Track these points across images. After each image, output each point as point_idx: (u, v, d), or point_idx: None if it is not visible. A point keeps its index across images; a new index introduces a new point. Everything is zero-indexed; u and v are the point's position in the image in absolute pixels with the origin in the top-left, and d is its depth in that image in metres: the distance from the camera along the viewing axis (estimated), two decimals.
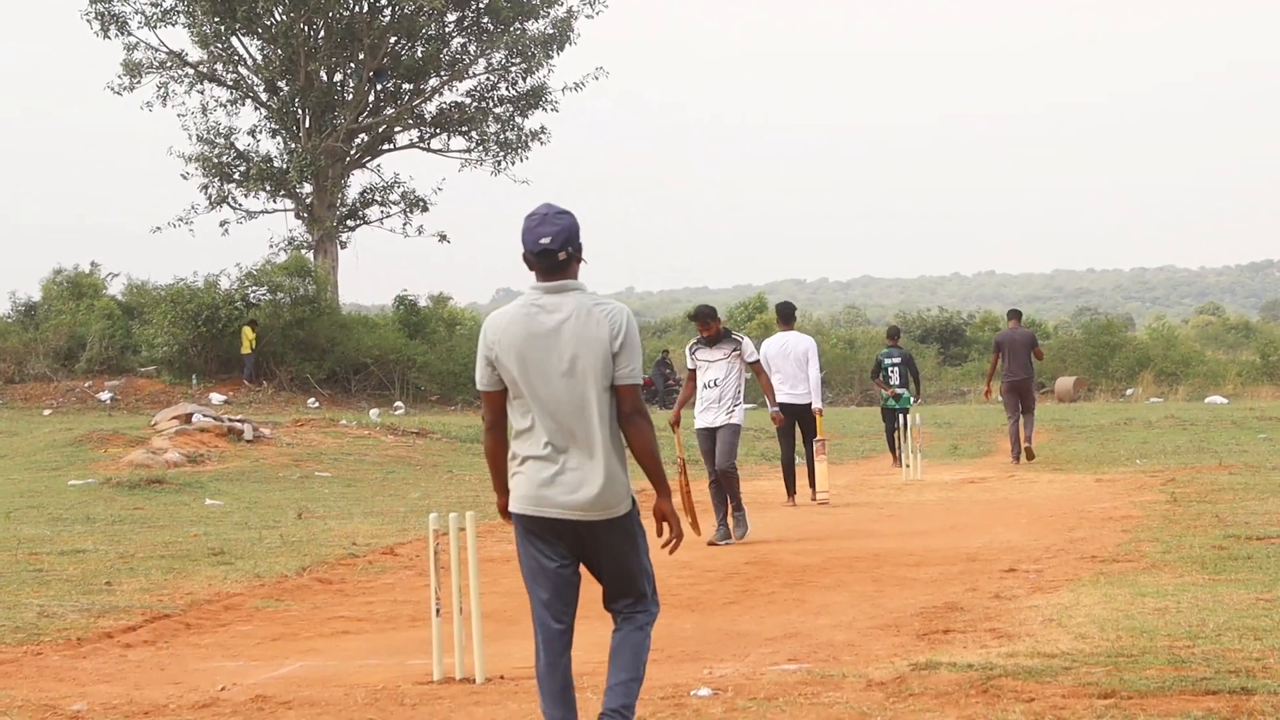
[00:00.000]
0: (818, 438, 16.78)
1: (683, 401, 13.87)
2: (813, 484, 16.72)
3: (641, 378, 5.73)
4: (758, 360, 13.97)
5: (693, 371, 13.73)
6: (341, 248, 46.04)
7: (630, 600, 5.77)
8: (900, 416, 21.31)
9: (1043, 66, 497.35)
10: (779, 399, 16.12)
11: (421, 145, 47.45)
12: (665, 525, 5.80)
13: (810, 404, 16.48)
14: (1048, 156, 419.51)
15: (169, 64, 45.03)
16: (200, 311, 39.13)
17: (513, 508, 5.72)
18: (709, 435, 13.66)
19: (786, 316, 16.95)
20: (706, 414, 13.63)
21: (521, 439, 5.70)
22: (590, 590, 5.86)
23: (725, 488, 13.48)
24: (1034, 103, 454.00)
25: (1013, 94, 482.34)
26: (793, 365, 16.46)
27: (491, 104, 46.48)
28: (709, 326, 13.54)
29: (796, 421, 16.52)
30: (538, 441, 5.64)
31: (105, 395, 37.21)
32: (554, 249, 5.61)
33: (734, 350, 13.56)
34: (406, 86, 46.29)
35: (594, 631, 6.97)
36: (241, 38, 44.67)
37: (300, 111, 44.95)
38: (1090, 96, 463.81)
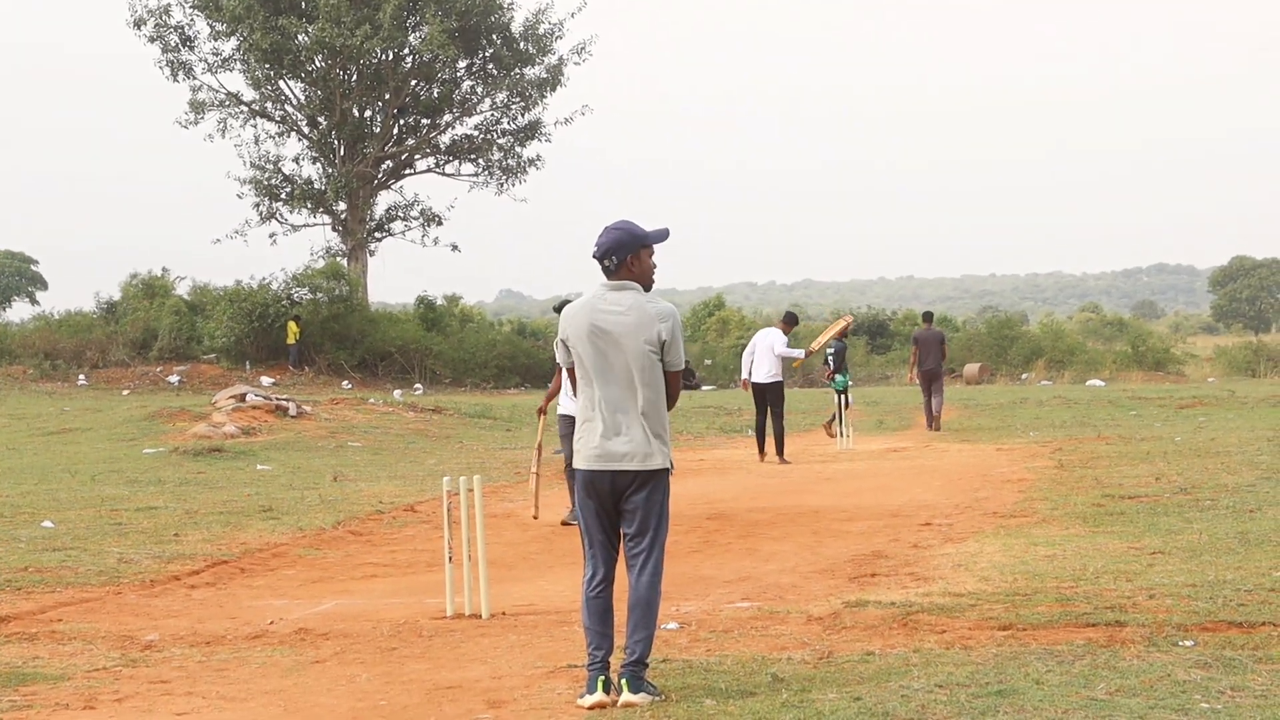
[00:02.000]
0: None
1: (551, 395, 11.82)
2: (780, 450, 17.22)
3: (683, 365, 5.78)
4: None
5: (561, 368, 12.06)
6: (370, 255, 45.86)
7: (643, 544, 5.67)
8: (839, 396, 21.34)
9: (949, 124, 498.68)
10: (755, 380, 17.32)
11: (437, 170, 47.28)
12: None
13: (774, 383, 17.34)
14: (958, 180, 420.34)
15: (227, 103, 44.74)
16: (253, 309, 39.16)
17: (576, 464, 5.74)
18: (571, 421, 11.71)
19: (787, 319, 18.11)
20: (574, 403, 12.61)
21: (583, 405, 5.75)
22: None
23: None
24: (956, 139, 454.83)
25: (927, 139, 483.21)
26: (762, 353, 17.49)
27: (495, 136, 46.32)
28: None
29: (765, 396, 17.40)
30: (595, 408, 5.67)
31: (174, 378, 37.11)
32: (596, 257, 5.73)
33: None
34: (424, 121, 46.19)
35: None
36: (288, 81, 44.47)
37: (336, 142, 44.81)
38: (994, 134, 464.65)
